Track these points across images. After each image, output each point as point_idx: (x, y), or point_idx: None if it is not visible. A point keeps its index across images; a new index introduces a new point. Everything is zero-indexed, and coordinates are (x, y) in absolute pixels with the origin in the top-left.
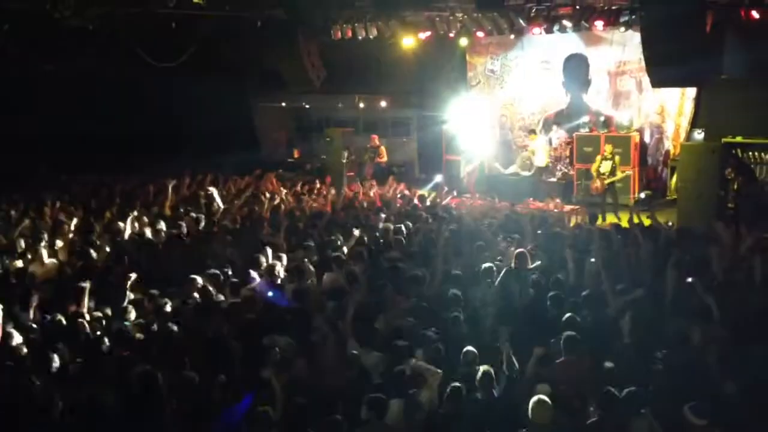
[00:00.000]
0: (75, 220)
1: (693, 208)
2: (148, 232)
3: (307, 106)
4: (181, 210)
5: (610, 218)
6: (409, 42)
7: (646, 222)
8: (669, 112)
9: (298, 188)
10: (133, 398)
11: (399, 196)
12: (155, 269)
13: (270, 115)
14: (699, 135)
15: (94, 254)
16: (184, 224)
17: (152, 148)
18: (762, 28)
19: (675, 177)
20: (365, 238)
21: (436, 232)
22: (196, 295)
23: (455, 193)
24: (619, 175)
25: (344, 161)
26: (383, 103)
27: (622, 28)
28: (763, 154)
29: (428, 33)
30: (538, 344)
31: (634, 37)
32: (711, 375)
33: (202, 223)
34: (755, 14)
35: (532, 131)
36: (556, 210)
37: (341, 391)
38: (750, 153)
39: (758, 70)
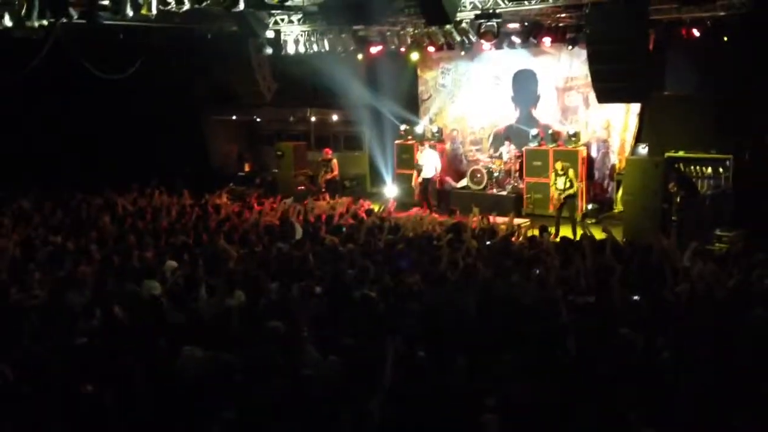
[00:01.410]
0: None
1: (638, 221)
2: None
3: (258, 120)
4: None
5: (565, 231)
6: (360, 56)
7: (599, 235)
8: (614, 127)
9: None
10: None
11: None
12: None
13: (220, 128)
14: (643, 149)
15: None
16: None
17: (97, 161)
18: (702, 46)
19: (621, 190)
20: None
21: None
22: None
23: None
24: (576, 187)
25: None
26: (335, 117)
27: (569, 45)
28: (704, 168)
29: (380, 47)
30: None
31: (581, 54)
32: (658, 384)
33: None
34: (696, 32)
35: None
36: (505, 223)
37: None
38: (692, 167)
39: (699, 87)
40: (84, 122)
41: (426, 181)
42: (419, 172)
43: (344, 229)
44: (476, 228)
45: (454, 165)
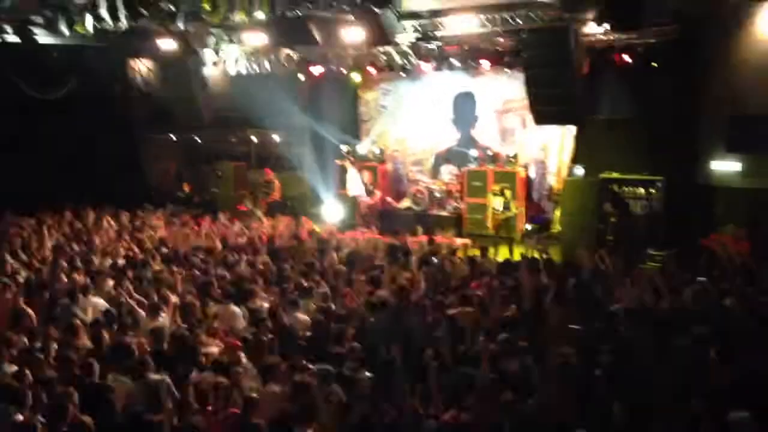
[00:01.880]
0: None
1: (575, 240)
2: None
3: (198, 140)
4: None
5: (503, 252)
6: (302, 77)
7: (536, 255)
8: (551, 149)
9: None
10: None
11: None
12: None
13: (158, 148)
14: (579, 170)
15: None
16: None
17: (31, 181)
18: (633, 71)
19: (558, 211)
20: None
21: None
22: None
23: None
24: (514, 209)
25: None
26: (276, 137)
27: (507, 69)
28: (636, 189)
29: (321, 69)
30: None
31: (519, 77)
32: (597, 398)
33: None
34: (627, 58)
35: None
36: (445, 243)
37: None
38: (626, 188)
39: (632, 110)
40: (17, 142)
41: (352, 200)
42: (370, 192)
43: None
44: (418, 248)
45: (395, 185)
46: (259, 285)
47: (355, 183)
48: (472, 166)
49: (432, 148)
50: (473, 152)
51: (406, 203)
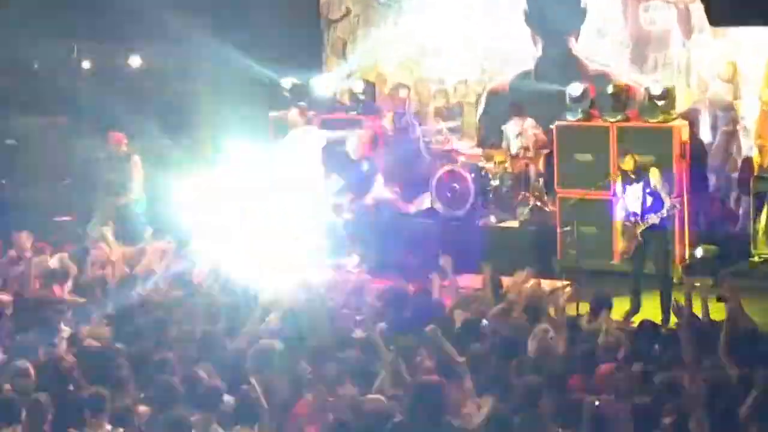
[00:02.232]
0: None
1: None
2: None
3: None
4: None
5: (649, 306)
6: None
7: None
8: (747, 80)
9: None
10: None
11: None
12: None
13: None
14: None
15: None
16: None
17: None
18: None
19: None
20: None
21: None
22: None
23: None
24: (667, 205)
25: None
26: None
27: None
28: None
29: None
30: None
31: None
32: None
33: None
34: None
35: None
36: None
37: None
38: None
39: None
40: None
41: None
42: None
43: None
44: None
45: (404, 163)
46: None
47: (308, 159)
48: (572, 119)
49: (481, 81)
50: (574, 88)
51: (425, 203)
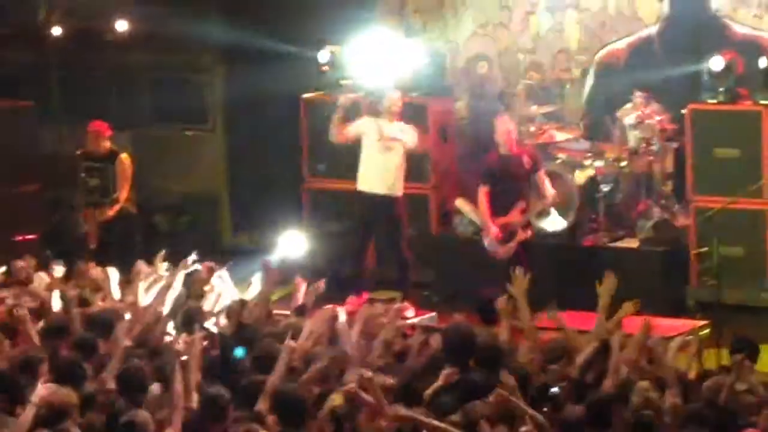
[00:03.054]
0: None
1: None
2: None
3: None
4: None
5: None
6: None
7: None
8: None
9: None
10: None
11: None
12: None
13: None
14: None
15: None
16: None
17: None
18: None
19: None
20: None
21: None
22: None
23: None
24: None
25: None
26: None
27: None
28: None
29: None
30: None
31: None
32: None
33: None
34: None
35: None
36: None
37: None
38: None
39: None
40: None
41: (374, 203)
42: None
43: None
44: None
45: (474, 159)
46: None
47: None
48: (711, 101)
49: (587, 51)
50: (715, 61)
51: (517, 215)
